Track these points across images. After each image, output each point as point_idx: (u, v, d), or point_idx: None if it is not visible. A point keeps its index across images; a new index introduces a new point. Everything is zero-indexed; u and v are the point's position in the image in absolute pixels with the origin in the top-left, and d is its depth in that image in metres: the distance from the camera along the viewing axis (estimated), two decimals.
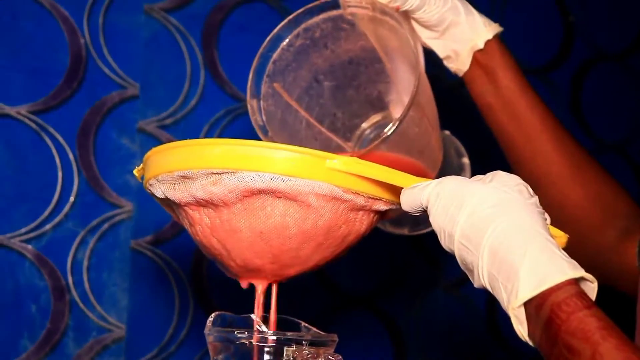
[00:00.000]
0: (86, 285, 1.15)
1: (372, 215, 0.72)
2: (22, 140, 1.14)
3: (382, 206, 0.71)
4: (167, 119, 1.23)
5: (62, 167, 1.15)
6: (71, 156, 1.16)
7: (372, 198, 0.70)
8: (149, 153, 0.72)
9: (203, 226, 0.71)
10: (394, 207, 0.71)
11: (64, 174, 1.15)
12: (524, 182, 0.65)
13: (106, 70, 1.19)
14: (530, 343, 0.61)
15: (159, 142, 1.20)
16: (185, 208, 0.71)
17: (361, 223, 0.72)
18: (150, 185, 0.73)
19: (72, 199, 1.15)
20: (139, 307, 1.18)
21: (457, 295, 1.43)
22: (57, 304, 1.13)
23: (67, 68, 1.16)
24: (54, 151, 1.15)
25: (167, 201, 0.73)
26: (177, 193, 0.70)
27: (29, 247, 1.12)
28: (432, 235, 1.39)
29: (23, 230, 1.12)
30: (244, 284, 0.77)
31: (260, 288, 0.76)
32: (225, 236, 0.70)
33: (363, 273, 1.36)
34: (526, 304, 0.59)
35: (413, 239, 1.39)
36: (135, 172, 0.76)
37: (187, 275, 1.22)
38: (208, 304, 1.23)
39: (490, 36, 0.90)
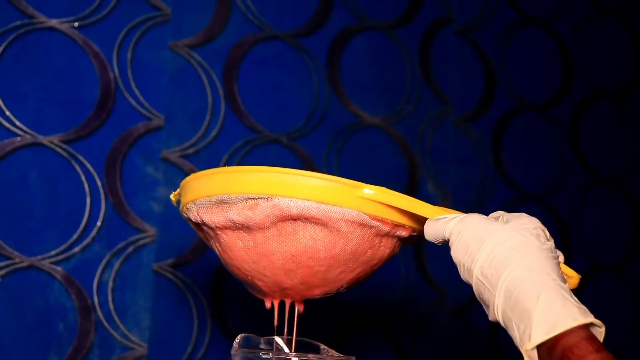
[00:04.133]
0: (111, 305, 1.18)
1: (395, 240, 0.74)
2: (53, 168, 1.17)
3: (405, 233, 0.73)
4: (190, 149, 1.25)
5: (91, 193, 1.18)
6: (99, 183, 1.19)
7: (397, 225, 0.71)
8: (187, 179, 0.74)
9: (236, 249, 0.72)
10: (416, 234, 0.73)
11: (92, 200, 1.18)
12: (541, 225, 0.66)
13: (133, 102, 1.22)
14: None
15: (182, 171, 1.23)
16: (220, 231, 0.72)
17: (385, 248, 0.73)
18: (187, 209, 0.74)
19: (99, 223, 1.18)
20: (160, 327, 1.20)
21: (460, 319, 1.44)
22: (83, 322, 1.16)
23: (97, 100, 1.20)
24: (83, 178, 1.18)
25: (200, 225, 0.75)
26: (213, 217, 0.71)
27: (58, 268, 1.15)
28: (438, 262, 1.41)
29: (53, 252, 1.15)
30: (268, 304, 0.78)
31: (298, 307, 0.77)
32: (257, 258, 0.72)
33: (372, 297, 1.38)
34: (538, 344, 0.61)
35: (420, 266, 1.41)
36: (171, 196, 0.78)
37: (206, 297, 1.24)
38: (225, 325, 1.25)
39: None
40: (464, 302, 1.45)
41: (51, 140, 1.17)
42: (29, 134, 1.16)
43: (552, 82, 1.57)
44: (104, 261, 1.18)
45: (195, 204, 0.73)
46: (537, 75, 1.56)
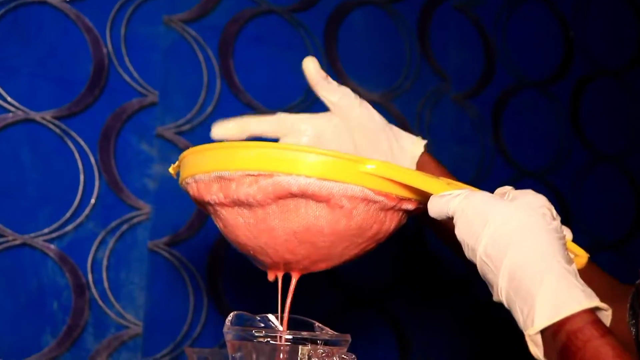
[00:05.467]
0: (105, 283, 1.16)
1: (401, 213, 0.72)
2: (46, 145, 1.15)
3: (411, 206, 0.71)
4: (185, 126, 1.24)
5: (84, 170, 1.16)
6: (93, 160, 1.17)
7: (402, 199, 0.70)
8: (185, 152, 0.72)
9: (237, 224, 0.71)
10: (422, 206, 0.72)
11: (86, 177, 1.16)
12: (548, 204, 0.64)
13: (127, 78, 1.20)
14: None
15: (177, 148, 1.22)
16: (220, 207, 0.71)
17: (391, 222, 0.72)
18: (186, 183, 0.73)
19: (93, 201, 1.17)
20: (156, 305, 1.19)
21: (460, 296, 1.44)
22: (77, 301, 1.14)
23: (90, 76, 1.18)
24: (76, 155, 1.16)
25: (200, 199, 0.73)
26: (213, 192, 0.70)
27: (52, 246, 1.14)
28: (432, 251, 1.40)
29: (46, 230, 1.14)
30: (271, 277, 0.77)
31: (293, 280, 0.76)
32: (258, 234, 0.70)
33: (370, 274, 1.37)
34: (542, 330, 0.60)
35: (420, 242, 1.40)
36: (170, 169, 0.76)
37: (202, 274, 1.23)
38: (221, 303, 1.24)
39: (419, 151, 0.84)
40: (464, 278, 1.43)
41: (43, 116, 1.15)
42: (21, 110, 1.14)
43: (552, 59, 1.56)
44: (98, 239, 1.17)
45: (194, 179, 0.71)
46: (538, 51, 1.55)
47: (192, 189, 0.72)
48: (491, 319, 1.45)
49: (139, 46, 1.21)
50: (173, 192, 1.21)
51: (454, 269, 1.43)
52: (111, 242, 1.17)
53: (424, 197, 0.70)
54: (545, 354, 0.60)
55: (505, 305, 0.62)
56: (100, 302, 1.16)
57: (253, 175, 0.67)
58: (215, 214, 0.73)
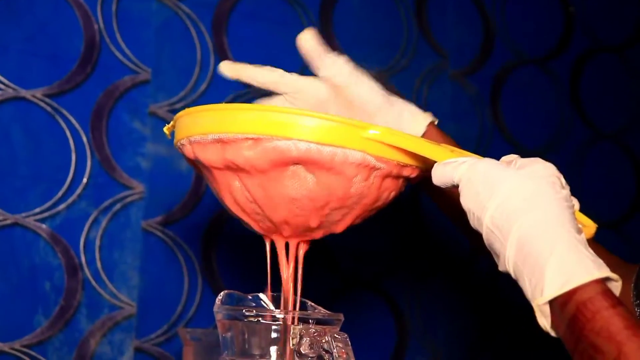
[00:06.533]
0: (98, 263, 1.15)
1: (401, 181, 0.71)
2: (37, 123, 1.13)
3: (411, 173, 0.70)
4: (178, 103, 1.22)
5: (76, 149, 1.14)
6: (84, 138, 1.15)
7: (403, 166, 0.69)
8: (181, 113, 0.70)
9: (232, 189, 0.70)
10: (423, 174, 0.70)
11: (78, 156, 1.14)
12: (557, 172, 0.63)
13: (119, 55, 1.18)
14: (553, 334, 0.60)
15: None
16: (215, 171, 0.69)
17: (391, 189, 0.71)
18: (181, 144, 0.71)
19: (85, 180, 1.15)
20: (149, 285, 1.18)
21: (459, 277, 1.43)
22: (70, 281, 1.13)
23: (81, 53, 1.15)
24: (67, 134, 1.14)
25: (196, 161, 0.72)
26: (209, 155, 0.68)
27: (44, 226, 1.12)
28: (436, 219, 1.40)
29: (37, 210, 1.12)
30: (268, 240, 0.75)
31: (293, 246, 0.74)
32: (255, 199, 0.69)
33: (368, 255, 1.36)
34: (551, 300, 0.58)
35: (418, 221, 1.38)
36: (165, 129, 0.75)
37: (196, 254, 1.22)
38: (216, 283, 1.22)
39: (425, 125, 0.82)
40: (464, 258, 1.41)
41: (34, 94, 1.13)
42: (11, 87, 1.12)
43: (552, 35, 1.54)
44: (90, 219, 1.15)
45: (189, 141, 0.69)
46: (537, 27, 1.52)
47: (188, 151, 0.70)
48: (492, 299, 1.44)
49: (131, 23, 1.19)
50: (167, 171, 1.20)
51: (453, 248, 1.42)
52: (104, 222, 1.16)
53: (426, 165, 0.69)
54: (553, 325, 0.59)
55: (512, 275, 0.61)
56: (94, 283, 1.14)
57: (251, 138, 0.65)
58: (210, 176, 0.71)
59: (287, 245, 0.74)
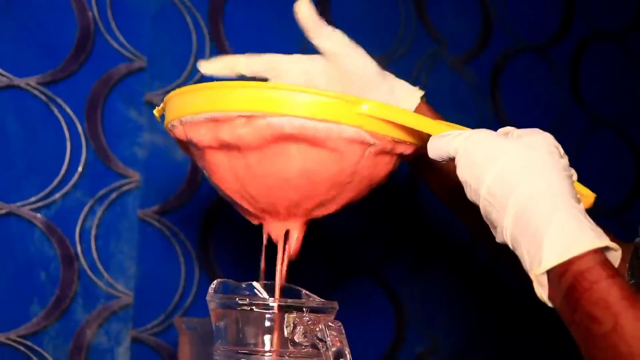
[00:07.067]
0: (94, 253, 1.14)
1: (395, 158, 0.71)
2: (31, 112, 1.12)
3: (407, 150, 0.70)
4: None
5: (71, 138, 1.13)
6: (79, 127, 1.14)
7: (398, 142, 0.68)
8: (172, 93, 0.70)
9: (225, 169, 0.69)
10: (417, 150, 0.70)
11: (73, 145, 1.13)
12: (555, 142, 0.63)
13: (114, 43, 1.16)
14: (550, 305, 0.59)
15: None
16: (208, 151, 0.69)
17: (385, 166, 0.70)
18: (172, 126, 0.70)
19: (80, 169, 1.14)
20: (146, 275, 1.17)
21: (459, 264, 1.42)
22: (66, 271, 1.12)
23: (76, 41, 1.14)
24: (62, 122, 1.13)
25: (187, 143, 0.71)
26: (201, 135, 0.67)
27: (39, 215, 1.11)
28: (435, 204, 1.40)
29: (33, 199, 1.11)
30: (254, 221, 0.75)
31: (288, 228, 0.74)
32: (248, 181, 0.69)
33: (365, 242, 1.35)
34: (548, 270, 0.58)
35: (416, 207, 1.38)
36: (155, 111, 0.74)
37: (193, 244, 1.21)
38: (213, 273, 1.22)
39: (416, 102, 0.83)
40: (463, 244, 1.41)
41: (28, 82, 1.11)
42: (5, 76, 1.10)
43: (552, 21, 1.52)
44: (86, 208, 1.14)
45: (181, 121, 0.69)
46: (537, 13, 1.51)
47: (179, 132, 0.70)
48: (492, 287, 1.43)
49: (126, 10, 1.17)
50: (163, 160, 1.19)
51: (452, 234, 1.41)
52: (100, 211, 1.15)
53: (421, 141, 0.69)
54: (550, 296, 0.58)
55: (510, 246, 0.60)
56: (90, 273, 1.13)
57: (245, 116, 0.65)
58: (202, 157, 0.71)
59: (285, 233, 0.74)
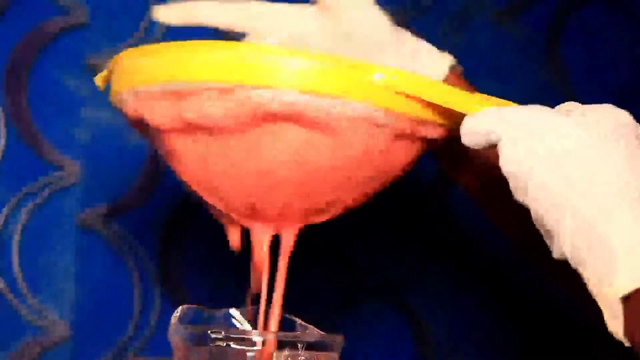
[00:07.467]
0: (16, 269, 1.15)
1: (418, 144, 0.71)
2: None
3: (433, 133, 0.70)
4: None
5: None
6: None
7: (421, 122, 0.68)
8: (120, 55, 0.71)
9: (193, 159, 0.70)
10: (447, 133, 0.71)
11: None
12: (633, 121, 0.63)
13: None
14: (626, 343, 0.59)
15: None
16: (169, 134, 0.69)
17: (405, 155, 0.71)
18: (120, 98, 0.71)
19: None
20: (88, 299, 1.18)
21: (500, 288, 1.43)
22: None
23: None
24: None
25: (141, 122, 0.71)
26: (159, 113, 0.68)
27: None
28: (471, 210, 1.41)
29: None
30: (234, 238, 0.78)
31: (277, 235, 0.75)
32: (222, 172, 0.70)
33: (381, 257, 1.37)
34: (626, 296, 0.58)
35: (440, 222, 1.39)
36: (97, 79, 0.74)
37: (153, 257, 1.22)
38: (178, 296, 1.23)
39: (446, 69, 0.85)
40: (502, 264, 1.42)
41: None
42: None
43: None
44: (5, 210, 1.15)
45: (132, 93, 0.69)
46: None
47: (130, 107, 0.70)
48: (543, 315, 1.44)
49: None
50: (111, 145, 1.20)
51: (492, 248, 1.42)
52: (25, 214, 1.15)
53: (453, 121, 0.69)
54: (628, 331, 0.59)
55: (571, 261, 0.60)
56: (10, 296, 1.14)
57: (217, 88, 0.65)
58: (162, 143, 0.71)
59: (274, 237, 0.75)
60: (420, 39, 0.85)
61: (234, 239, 0.77)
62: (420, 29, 1.36)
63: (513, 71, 1.45)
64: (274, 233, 0.74)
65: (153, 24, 1.21)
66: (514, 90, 1.43)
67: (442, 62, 0.84)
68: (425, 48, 0.84)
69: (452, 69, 0.84)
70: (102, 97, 1.14)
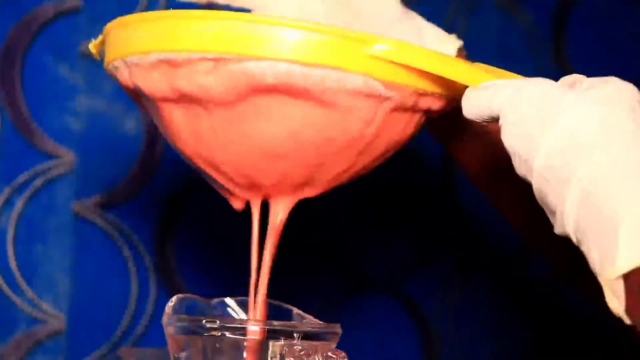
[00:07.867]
0: (12, 261, 1.15)
1: (418, 116, 0.70)
2: None
3: (434, 104, 0.69)
4: None
5: None
6: None
7: (422, 94, 0.68)
8: (114, 22, 0.70)
9: (187, 131, 0.70)
10: (447, 105, 0.70)
11: None
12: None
13: None
14: (626, 320, 0.58)
15: None
16: (163, 104, 0.69)
17: (405, 128, 0.70)
18: (114, 67, 0.70)
19: None
20: (83, 291, 1.18)
21: (507, 279, 1.44)
22: None
23: None
24: None
25: (136, 91, 0.71)
26: (152, 82, 0.67)
27: None
28: (465, 208, 1.41)
29: None
30: (237, 205, 0.76)
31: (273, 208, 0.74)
32: (217, 145, 0.69)
33: (384, 251, 1.37)
34: (627, 274, 0.57)
35: (443, 210, 1.39)
36: (90, 46, 0.74)
37: (148, 248, 1.22)
38: (175, 285, 1.23)
39: (454, 51, 0.85)
40: (510, 253, 1.42)
41: None
42: None
43: None
44: (0, 200, 1.15)
45: (125, 62, 0.68)
46: None
47: (123, 76, 0.69)
48: (550, 304, 1.44)
49: None
50: (106, 134, 1.20)
51: (496, 235, 1.43)
52: (19, 204, 1.16)
53: (454, 93, 0.69)
54: (629, 309, 0.58)
55: (574, 239, 0.60)
56: (5, 287, 1.15)
57: (211, 58, 0.64)
58: (156, 112, 0.71)
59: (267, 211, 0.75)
60: (427, 21, 0.85)
61: (237, 204, 0.76)
62: (426, 12, 1.38)
63: (520, 58, 1.45)
64: (276, 207, 0.74)
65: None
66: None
67: (450, 44, 0.83)
68: (432, 30, 0.83)
69: (459, 51, 0.84)
70: (97, 85, 1.17)
